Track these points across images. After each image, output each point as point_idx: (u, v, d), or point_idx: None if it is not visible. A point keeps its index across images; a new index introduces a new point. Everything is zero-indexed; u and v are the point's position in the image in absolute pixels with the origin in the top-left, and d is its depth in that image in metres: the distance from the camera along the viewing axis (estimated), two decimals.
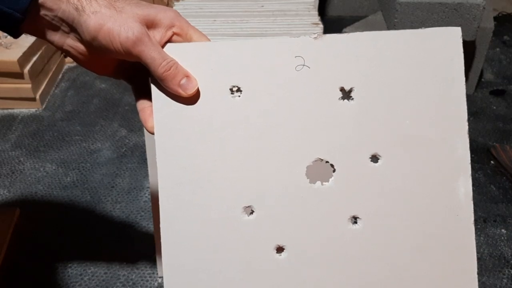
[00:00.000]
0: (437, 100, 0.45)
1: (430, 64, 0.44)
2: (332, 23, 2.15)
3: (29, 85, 1.53)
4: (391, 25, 1.47)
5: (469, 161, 0.45)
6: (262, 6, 1.18)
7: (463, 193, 0.45)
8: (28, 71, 1.52)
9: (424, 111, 0.45)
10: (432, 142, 0.45)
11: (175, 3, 1.32)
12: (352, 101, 0.45)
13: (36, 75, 1.57)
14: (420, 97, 0.45)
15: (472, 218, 0.46)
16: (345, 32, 1.57)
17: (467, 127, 0.45)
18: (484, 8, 1.37)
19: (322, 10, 2.25)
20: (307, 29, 1.11)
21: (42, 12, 0.41)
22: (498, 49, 2.01)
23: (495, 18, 1.94)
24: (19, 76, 1.52)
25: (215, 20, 1.11)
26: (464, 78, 0.45)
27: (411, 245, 0.46)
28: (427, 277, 0.46)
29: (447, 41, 0.44)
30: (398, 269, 0.46)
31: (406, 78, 0.44)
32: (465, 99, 0.45)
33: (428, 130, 0.45)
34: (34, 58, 1.56)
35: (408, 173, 0.45)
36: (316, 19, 1.12)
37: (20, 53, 1.49)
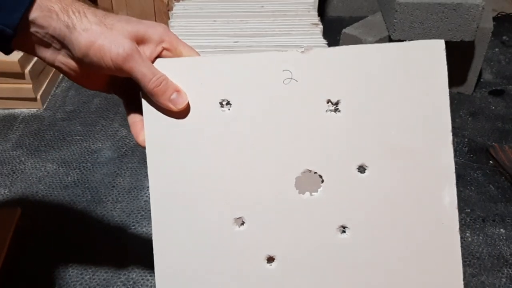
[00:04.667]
0: (422, 111, 0.45)
1: (414, 76, 0.45)
2: (332, 23, 2.16)
3: (30, 85, 1.54)
4: (390, 25, 1.47)
5: (454, 171, 0.46)
6: (262, 6, 1.19)
7: (448, 201, 0.46)
8: (29, 71, 1.52)
9: (410, 122, 0.45)
10: (417, 152, 0.45)
11: (176, 3, 1.32)
12: (339, 113, 0.45)
13: (37, 75, 1.58)
14: (405, 108, 0.45)
15: (457, 226, 0.46)
16: (345, 32, 1.58)
17: (451, 137, 0.45)
18: (483, 8, 1.38)
19: (321, 10, 2.26)
20: (307, 29, 1.11)
21: (33, 29, 0.41)
22: (497, 49, 2.02)
23: (494, 19, 1.94)
24: (20, 76, 1.52)
25: (215, 21, 1.11)
26: (448, 90, 0.46)
27: (399, 253, 0.46)
28: (415, 284, 0.47)
29: (431, 54, 0.45)
30: (387, 277, 0.47)
31: (391, 90, 0.45)
32: (449, 110, 0.46)
33: (414, 140, 0.45)
34: (35, 58, 1.57)
35: (394, 182, 0.46)
36: (316, 19, 1.13)
37: (21, 53, 1.50)
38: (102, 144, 1.45)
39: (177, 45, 0.46)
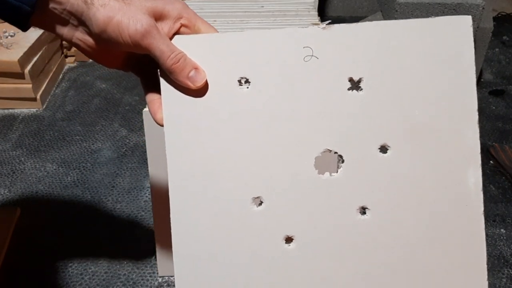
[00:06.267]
0: (447, 90, 0.44)
1: (440, 53, 0.44)
2: (332, 23, 2.16)
3: (30, 85, 1.54)
4: None
5: (479, 151, 0.45)
6: (262, 6, 1.18)
7: (473, 183, 0.45)
8: (29, 71, 1.52)
9: (434, 101, 0.44)
10: (441, 132, 0.44)
11: None
12: (361, 91, 0.44)
13: (36, 75, 1.58)
14: (430, 86, 0.44)
15: (482, 208, 0.45)
16: None
17: (477, 117, 0.44)
18: (483, 8, 1.38)
19: (322, 10, 2.26)
20: None
21: (51, 5, 0.41)
22: (497, 49, 2.02)
23: (495, 19, 1.94)
24: (19, 76, 1.52)
25: (215, 21, 1.11)
26: (474, 67, 0.44)
27: (420, 235, 0.45)
28: (437, 267, 0.46)
29: (458, 30, 0.44)
30: (407, 259, 0.46)
31: (415, 67, 0.44)
32: (475, 88, 0.44)
33: (438, 120, 0.44)
34: (35, 58, 1.57)
35: (417, 163, 0.45)
36: (316, 19, 1.13)
37: (21, 53, 1.50)
38: (102, 144, 1.45)
39: (195, 22, 0.45)
